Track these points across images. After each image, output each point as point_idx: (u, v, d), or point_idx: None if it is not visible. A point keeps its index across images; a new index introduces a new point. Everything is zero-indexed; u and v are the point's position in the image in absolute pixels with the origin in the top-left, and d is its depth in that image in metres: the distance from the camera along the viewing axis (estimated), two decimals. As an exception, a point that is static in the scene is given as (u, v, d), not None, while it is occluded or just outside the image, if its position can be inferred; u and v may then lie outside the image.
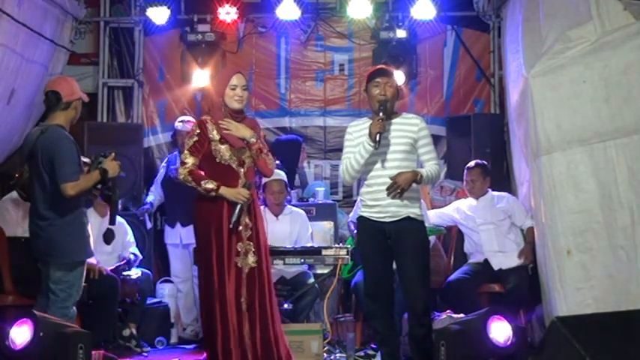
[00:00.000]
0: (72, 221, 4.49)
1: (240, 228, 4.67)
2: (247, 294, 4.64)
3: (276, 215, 6.15)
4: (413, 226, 4.58)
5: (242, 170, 4.71)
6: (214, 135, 4.70)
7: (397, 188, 4.48)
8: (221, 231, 4.64)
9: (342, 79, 7.91)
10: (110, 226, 4.75)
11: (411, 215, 4.58)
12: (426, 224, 4.80)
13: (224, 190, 4.62)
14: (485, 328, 4.29)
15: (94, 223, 5.26)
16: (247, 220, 4.70)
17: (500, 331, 4.28)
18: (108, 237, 4.78)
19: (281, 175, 6.11)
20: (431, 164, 4.63)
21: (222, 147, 4.69)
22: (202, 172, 4.69)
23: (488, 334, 4.27)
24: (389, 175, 4.52)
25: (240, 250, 4.66)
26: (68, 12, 7.14)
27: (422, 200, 4.92)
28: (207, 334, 4.73)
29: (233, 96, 4.70)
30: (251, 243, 4.69)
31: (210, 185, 4.62)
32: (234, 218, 4.60)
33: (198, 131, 4.72)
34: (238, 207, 4.61)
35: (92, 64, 7.83)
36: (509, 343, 4.23)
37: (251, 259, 4.68)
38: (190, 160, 4.68)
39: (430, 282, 4.74)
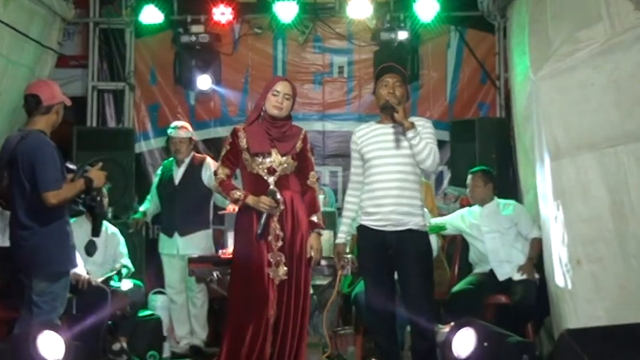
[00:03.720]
0: (55, 230, 4.46)
1: (270, 238, 4.66)
2: (276, 307, 4.62)
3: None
4: (415, 237, 4.57)
5: (272, 179, 4.69)
6: (243, 144, 4.73)
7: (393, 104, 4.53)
8: (250, 241, 4.66)
9: (342, 81, 7.92)
10: (93, 238, 4.72)
11: (413, 227, 4.56)
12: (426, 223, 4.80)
13: (249, 199, 4.65)
14: (451, 340, 4.29)
15: (86, 232, 5.23)
16: (278, 230, 4.69)
17: (462, 344, 4.24)
18: (90, 249, 4.76)
19: None
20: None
21: (248, 155, 4.72)
22: (234, 183, 4.80)
23: (451, 346, 4.26)
24: (394, 179, 4.51)
25: (271, 260, 4.65)
26: (56, 12, 7.12)
27: (424, 209, 4.89)
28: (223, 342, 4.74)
29: (273, 102, 4.69)
30: (282, 254, 4.66)
31: (237, 195, 4.69)
32: (260, 228, 4.61)
33: (230, 140, 4.80)
34: (264, 216, 4.62)
35: (81, 66, 7.84)
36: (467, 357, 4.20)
37: (281, 270, 4.65)
38: (221, 171, 4.78)
39: (433, 294, 4.72)
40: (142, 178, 7.48)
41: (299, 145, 4.78)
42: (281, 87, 4.73)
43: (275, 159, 4.69)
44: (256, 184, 4.70)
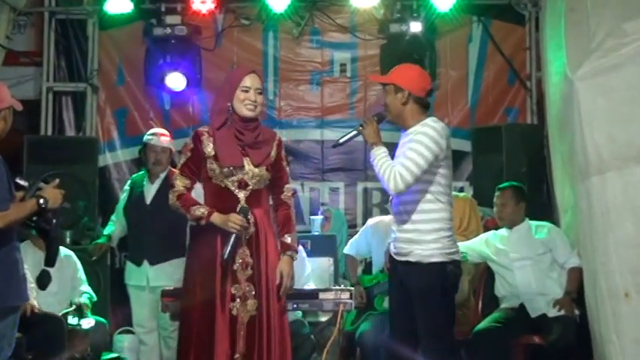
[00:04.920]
0: (1, 259, 4.41)
1: (237, 266, 4.58)
2: (246, 348, 4.51)
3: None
4: (417, 270, 4.53)
5: (243, 194, 4.61)
6: (209, 150, 4.64)
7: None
8: (212, 269, 4.55)
9: (344, 82, 7.96)
10: (46, 268, 4.67)
11: (411, 259, 4.52)
12: None
13: (215, 217, 4.55)
14: None
15: (33, 260, 5.19)
16: (248, 256, 4.61)
17: None
18: (42, 280, 4.71)
19: None
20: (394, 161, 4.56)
21: (216, 164, 4.62)
22: (193, 197, 4.68)
23: None
24: (398, 202, 4.52)
25: (235, 293, 4.55)
26: (4, 0, 7.12)
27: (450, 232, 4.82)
28: None
29: (244, 100, 4.58)
30: (251, 285, 4.56)
31: (200, 211, 4.58)
32: (226, 253, 4.50)
33: (191, 146, 4.67)
34: (232, 238, 4.52)
35: (34, 64, 7.87)
36: None
37: (250, 305, 4.56)
38: (180, 183, 4.66)
39: (447, 334, 4.67)
40: (107, 195, 7.48)
41: (273, 153, 4.71)
42: (250, 81, 4.62)
43: (248, 170, 4.61)
44: (222, 199, 4.60)
